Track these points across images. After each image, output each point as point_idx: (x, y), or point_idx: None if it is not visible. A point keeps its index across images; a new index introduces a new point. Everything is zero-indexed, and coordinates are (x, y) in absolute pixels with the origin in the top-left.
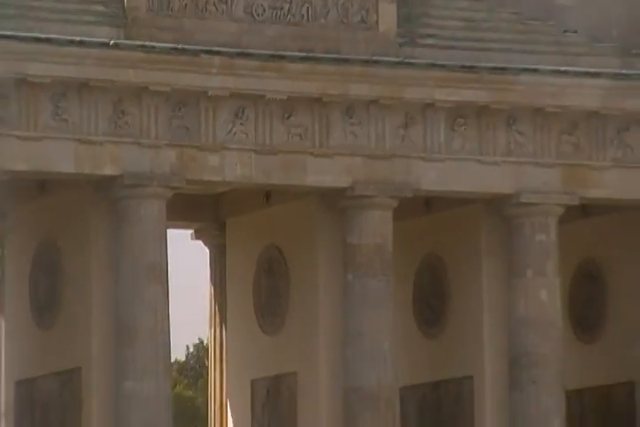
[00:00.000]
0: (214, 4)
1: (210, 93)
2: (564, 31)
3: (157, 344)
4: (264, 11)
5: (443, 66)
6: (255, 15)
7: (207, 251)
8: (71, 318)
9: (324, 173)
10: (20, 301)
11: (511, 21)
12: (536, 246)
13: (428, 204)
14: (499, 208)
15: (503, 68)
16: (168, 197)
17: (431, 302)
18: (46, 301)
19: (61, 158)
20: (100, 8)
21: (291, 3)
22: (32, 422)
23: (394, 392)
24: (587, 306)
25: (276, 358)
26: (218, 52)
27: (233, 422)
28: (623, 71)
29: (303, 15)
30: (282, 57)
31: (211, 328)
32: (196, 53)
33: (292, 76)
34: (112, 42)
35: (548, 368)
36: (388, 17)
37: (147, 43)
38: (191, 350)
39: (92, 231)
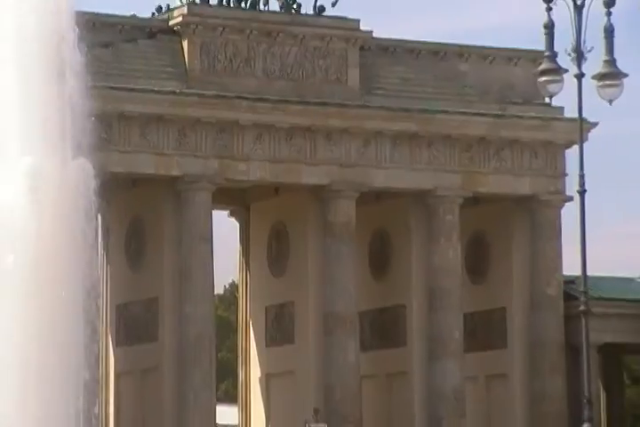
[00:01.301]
0: (242, 68)
1: (240, 124)
2: (464, 86)
3: (205, 283)
4: (274, 71)
5: (388, 108)
6: (269, 74)
7: (237, 224)
8: (151, 265)
9: (313, 176)
10: (119, 254)
11: (431, 80)
12: (446, 223)
13: (378, 196)
14: (423, 199)
15: (426, 110)
16: (213, 190)
17: (379, 259)
18: (135, 254)
19: (145, 164)
20: (170, 69)
21: (292, 67)
22: (126, 334)
23: (355, 315)
24: (477, 260)
25: (281, 293)
26: (245, 98)
27: (254, 333)
28: (500, 113)
29: (300, 75)
30: (286, 101)
31: (239, 273)
32: (230, 98)
33: (292, 113)
34: (178, 91)
35: (452, 299)
36: (353, 76)
37: (200, 91)
38: (227, 286)
39: (164, 211)
